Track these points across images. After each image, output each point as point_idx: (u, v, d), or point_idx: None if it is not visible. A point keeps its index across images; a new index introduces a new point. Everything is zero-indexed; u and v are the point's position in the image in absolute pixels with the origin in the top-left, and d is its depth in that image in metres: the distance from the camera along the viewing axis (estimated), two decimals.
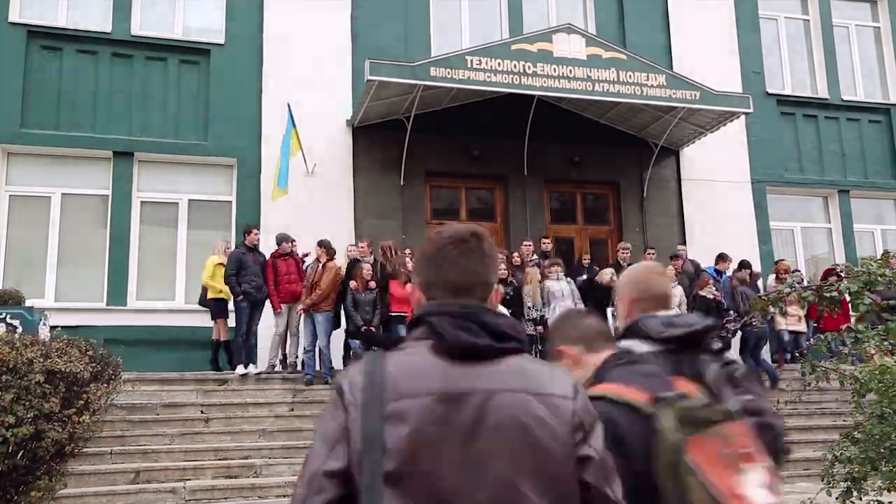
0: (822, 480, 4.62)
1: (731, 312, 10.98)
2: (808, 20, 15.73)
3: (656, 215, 13.70)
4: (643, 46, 13.45)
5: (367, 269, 10.01)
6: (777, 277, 11.77)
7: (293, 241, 10.44)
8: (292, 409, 9.40)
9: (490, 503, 1.41)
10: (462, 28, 13.63)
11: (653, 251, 11.78)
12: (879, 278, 4.68)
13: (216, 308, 10.31)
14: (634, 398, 1.83)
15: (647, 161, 13.52)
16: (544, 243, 12.05)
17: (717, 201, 13.69)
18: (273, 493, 7.65)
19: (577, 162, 13.38)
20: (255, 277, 9.84)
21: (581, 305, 10.38)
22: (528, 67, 11.15)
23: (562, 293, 10.68)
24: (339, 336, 10.28)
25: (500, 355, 1.52)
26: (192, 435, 8.53)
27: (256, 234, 10.35)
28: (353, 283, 9.93)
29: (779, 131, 14.69)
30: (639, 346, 2.09)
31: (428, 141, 12.35)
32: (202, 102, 12.03)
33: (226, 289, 10.01)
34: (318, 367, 9.86)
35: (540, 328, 10.35)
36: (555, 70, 11.27)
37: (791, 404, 10.04)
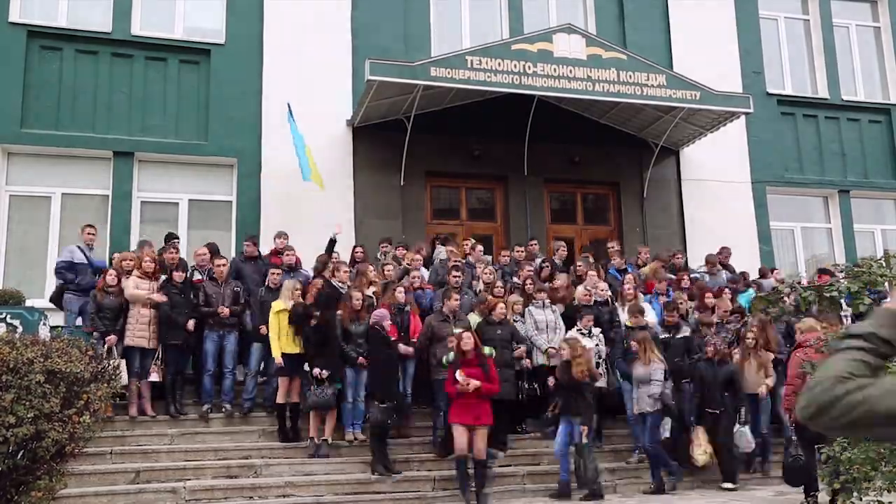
0: (823, 481, 4.62)
1: None
2: (809, 20, 15.73)
3: (656, 215, 13.69)
4: (643, 46, 13.45)
5: (357, 297, 8.79)
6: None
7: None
8: None
9: None
10: (462, 28, 13.62)
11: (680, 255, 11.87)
12: (879, 279, 4.69)
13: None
14: None
15: (648, 161, 13.51)
16: (559, 247, 11.38)
17: (718, 201, 13.69)
18: (273, 493, 7.64)
19: (578, 162, 13.37)
20: (255, 287, 9.65)
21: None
22: (529, 67, 11.14)
23: (545, 324, 9.23)
24: None
25: None
26: (192, 435, 8.53)
27: (250, 245, 10.19)
28: (340, 313, 8.76)
29: (779, 131, 14.69)
30: None
31: (428, 141, 12.34)
32: (202, 102, 12.03)
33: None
34: None
35: (527, 362, 9.09)
36: (555, 70, 11.26)
37: None
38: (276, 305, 8.69)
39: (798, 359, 7.26)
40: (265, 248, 10.49)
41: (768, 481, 8.77)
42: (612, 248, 11.67)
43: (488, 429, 7.69)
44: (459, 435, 7.52)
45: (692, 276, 11.21)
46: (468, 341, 7.78)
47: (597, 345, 8.97)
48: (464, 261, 10.51)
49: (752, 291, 10.63)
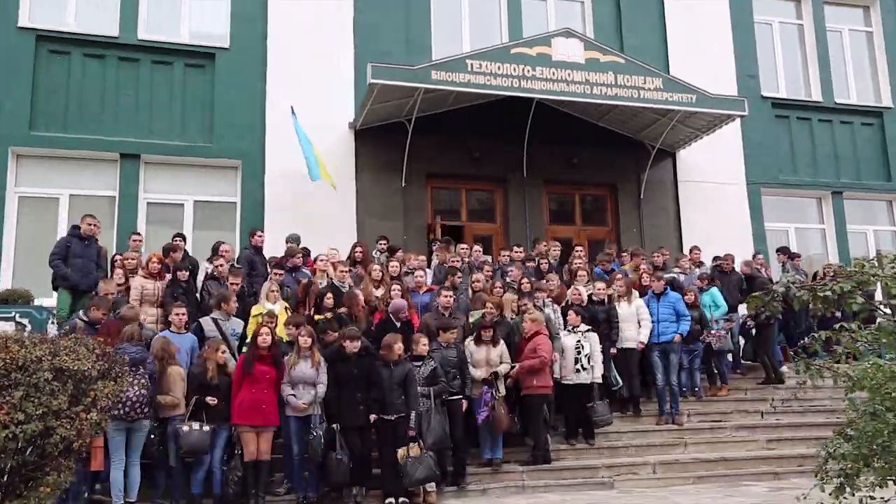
0: (816, 476, 4.76)
1: None
2: (802, 25, 15.95)
3: (653, 216, 13.88)
4: (640, 50, 13.64)
5: (361, 298, 8.73)
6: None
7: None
8: None
9: None
10: (462, 32, 13.80)
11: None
12: (871, 279, 4.84)
13: None
14: None
15: (645, 163, 13.70)
16: (554, 248, 11.50)
17: (713, 202, 13.89)
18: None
19: (576, 164, 13.55)
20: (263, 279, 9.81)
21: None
22: (528, 71, 11.32)
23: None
24: None
25: None
26: None
27: (261, 236, 10.41)
28: (344, 310, 8.56)
29: (773, 134, 14.90)
30: None
31: (429, 143, 12.50)
32: (207, 105, 12.20)
33: None
34: None
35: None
36: (554, 73, 11.45)
37: (786, 402, 10.22)
38: (256, 309, 8.55)
39: (544, 342, 8.48)
40: (267, 249, 10.60)
41: None
42: (607, 248, 11.87)
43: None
44: (250, 440, 7.27)
45: (667, 275, 11.24)
46: (266, 337, 7.51)
47: (578, 342, 8.99)
48: (466, 261, 10.66)
49: (715, 290, 10.83)
